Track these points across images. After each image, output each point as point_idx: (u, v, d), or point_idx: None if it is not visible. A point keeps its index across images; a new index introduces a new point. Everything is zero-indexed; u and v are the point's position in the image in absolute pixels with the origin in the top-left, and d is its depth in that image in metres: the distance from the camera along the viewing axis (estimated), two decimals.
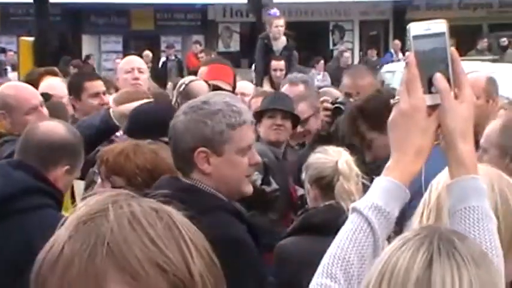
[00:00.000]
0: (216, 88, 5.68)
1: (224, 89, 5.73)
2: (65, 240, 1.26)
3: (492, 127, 3.74)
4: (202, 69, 6.83)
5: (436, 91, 1.90)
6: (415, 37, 1.93)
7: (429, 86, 1.91)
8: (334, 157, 3.97)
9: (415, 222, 2.24)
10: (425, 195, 2.28)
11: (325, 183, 3.90)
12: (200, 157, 3.09)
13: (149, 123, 4.16)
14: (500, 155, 3.61)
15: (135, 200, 1.32)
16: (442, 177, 2.18)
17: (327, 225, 3.49)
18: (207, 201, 3.05)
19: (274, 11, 12.93)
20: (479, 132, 3.39)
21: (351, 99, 5.21)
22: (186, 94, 5.43)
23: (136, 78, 6.20)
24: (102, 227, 1.26)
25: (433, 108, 1.90)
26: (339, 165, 3.91)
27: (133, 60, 6.64)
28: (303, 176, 4.06)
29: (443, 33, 1.93)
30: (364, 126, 4.07)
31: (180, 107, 3.35)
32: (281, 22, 12.01)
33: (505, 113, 4.19)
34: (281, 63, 10.89)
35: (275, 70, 10.77)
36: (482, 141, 3.70)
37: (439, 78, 1.90)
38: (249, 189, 3.20)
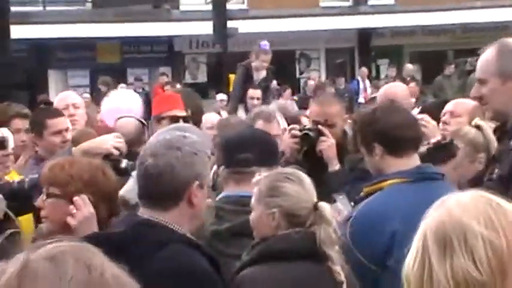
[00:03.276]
0: (173, 118, 5.60)
1: (181, 117, 5.65)
2: None
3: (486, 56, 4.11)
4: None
5: None
6: None
7: None
8: (312, 196, 3.52)
9: None
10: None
11: (298, 222, 3.49)
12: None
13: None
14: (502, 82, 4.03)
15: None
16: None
17: (288, 252, 3.41)
18: (164, 235, 3.10)
19: (265, 43, 12.28)
20: None
21: (319, 126, 5.23)
22: None
23: (72, 115, 6.12)
24: None
25: None
26: (320, 209, 3.47)
27: (67, 97, 6.58)
28: (262, 195, 3.56)
29: None
30: None
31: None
32: (268, 58, 11.60)
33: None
34: (258, 92, 10.82)
35: (252, 98, 10.70)
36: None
37: None
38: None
